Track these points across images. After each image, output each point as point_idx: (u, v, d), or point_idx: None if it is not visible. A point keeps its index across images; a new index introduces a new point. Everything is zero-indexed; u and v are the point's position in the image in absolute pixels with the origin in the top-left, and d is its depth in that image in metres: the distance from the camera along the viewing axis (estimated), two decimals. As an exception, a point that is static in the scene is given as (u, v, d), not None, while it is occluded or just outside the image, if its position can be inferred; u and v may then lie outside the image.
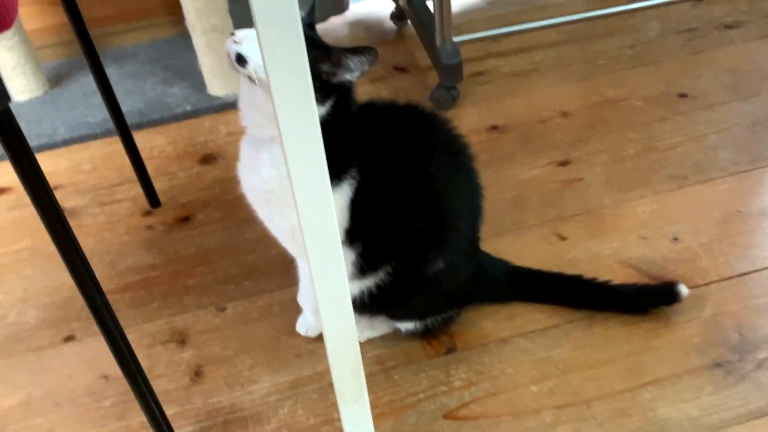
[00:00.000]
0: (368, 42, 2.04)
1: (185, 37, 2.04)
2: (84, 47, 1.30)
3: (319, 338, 1.19)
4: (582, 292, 1.17)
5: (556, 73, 1.80)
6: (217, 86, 1.82)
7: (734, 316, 1.13)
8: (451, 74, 1.67)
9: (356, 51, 0.90)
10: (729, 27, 1.89)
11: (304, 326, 1.19)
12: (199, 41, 1.75)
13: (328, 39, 2.15)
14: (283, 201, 0.97)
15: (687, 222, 1.32)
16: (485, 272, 1.15)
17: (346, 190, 0.96)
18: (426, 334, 1.14)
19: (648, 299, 1.15)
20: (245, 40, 0.89)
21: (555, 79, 1.78)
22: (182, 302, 1.29)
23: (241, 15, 1.85)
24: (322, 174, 0.63)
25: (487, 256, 1.17)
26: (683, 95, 1.66)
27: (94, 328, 1.24)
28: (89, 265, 0.92)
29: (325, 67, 0.91)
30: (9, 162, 0.78)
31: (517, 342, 1.14)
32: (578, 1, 2.14)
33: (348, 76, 0.92)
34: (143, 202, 1.53)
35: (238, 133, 1.73)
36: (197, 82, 1.87)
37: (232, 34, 0.90)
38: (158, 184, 1.54)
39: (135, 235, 1.45)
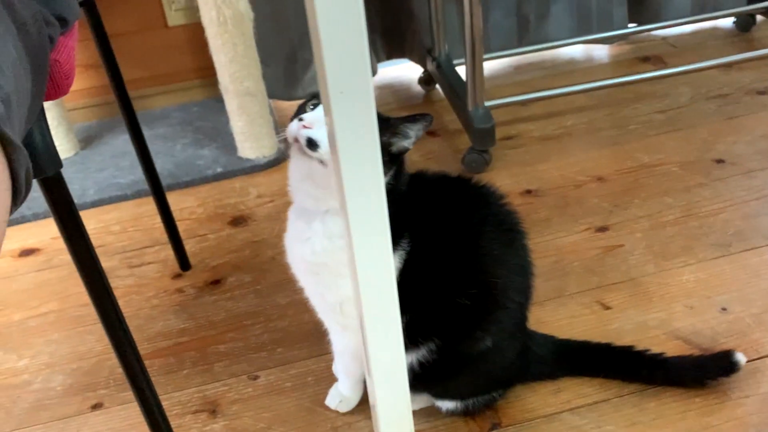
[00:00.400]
0: (397, 106, 2.05)
1: (216, 101, 2.07)
2: (123, 108, 1.30)
3: (355, 411, 1.14)
4: (633, 365, 1.12)
5: (588, 138, 1.79)
6: (248, 149, 1.82)
7: (794, 393, 1.08)
8: (484, 138, 1.66)
9: (413, 119, 0.90)
10: (761, 93, 1.88)
11: (337, 398, 1.14)
12: (231, 104, 1.76)
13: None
14: (336, 273, 0.95)
15: (735, 292, 1.27)
16: (531, 351, 1.10)
17: (395, 260, 0.94)
18: (466, 414, 1.09)
19: (704, 371, 1.10)
20: (315, 124, 0.88)
21: (587, 143, 1.77)
22: (213, 370, 1.25)
23: (273, 80, 1.86)
24: (386, 248, 0.60)
25: (533, 333, 1.13)
26: (720, 161, 1.63)
27: (123, 395, 1.21)
28: (128, 329, 0.89)
29: (384, 138, 0.89)
30: (39, 223, 0.76)
31: (565, 418, 1.09)
32: (605, 67, 2.15)
33: (405, 144, 0.91)
34: (173, 265, 1.50)
35: (268, 196, 1.73)
36: (227, 144, 1.88)
37: (301, 119, 0.89)
38: (188, 247, 1.52)
39: (164, 298, 1.43)
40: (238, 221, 1.64)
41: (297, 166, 0.95)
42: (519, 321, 1.06)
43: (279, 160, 1.85)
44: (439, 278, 0.96)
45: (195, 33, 2.07)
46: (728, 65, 1.98)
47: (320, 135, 0.87)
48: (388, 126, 0.90)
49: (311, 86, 2.06)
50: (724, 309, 1.24)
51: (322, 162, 0.88)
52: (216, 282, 1.46)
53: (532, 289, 1.05)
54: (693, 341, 1.18)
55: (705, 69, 1.95)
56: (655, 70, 2.03)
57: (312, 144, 0.87)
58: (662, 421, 1.06)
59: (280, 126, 1.95)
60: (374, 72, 2.14)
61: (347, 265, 0.93)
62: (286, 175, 1.72)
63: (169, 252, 1.52)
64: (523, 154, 1.75)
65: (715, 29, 2.25)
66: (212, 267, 1.50)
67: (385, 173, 0.89)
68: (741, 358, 1.07)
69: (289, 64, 2.02)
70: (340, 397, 1.14)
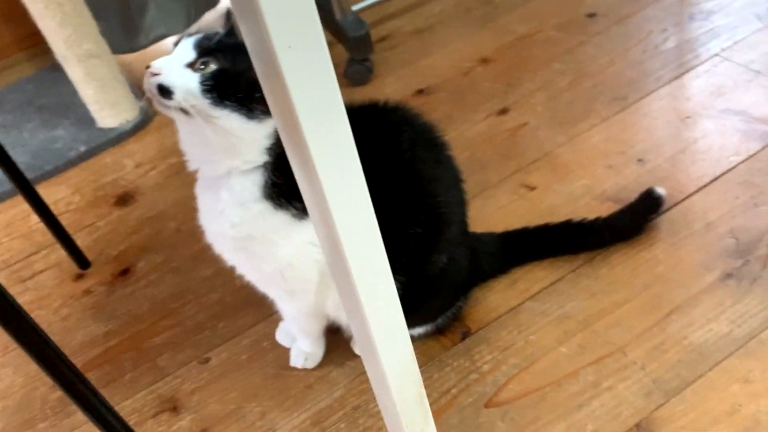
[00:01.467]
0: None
1: (50, 72, 1.84)
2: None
3: (324, 363, 1.09)
4: (577, 236, 1.14)
5: (461, 21, 1.74)
6: (107, 117, 1.64)
7: (723, 222, 1.13)
8: (361, 46, 1.57)
9: None
10: (608, -62, 1.89)
11: (302, 357, 1.09)
12: (75, 72, 1.56)
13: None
14: (266, 242, 0.86)
15: (644, 141, 1.31)
16: (478, 252, 1.08)
17: None
18: (437, 332, 1.07)
19: (637, 216, 1.14)
20: (164, 69, 0.76)
21: (462, 27, 1.72)
22: (158, 365, 1.15)
23: (114, 35, 1.66)
24: (363, 192, 0.53)
25: (474, 234, 1.11)
26: (592, 15, 1.64)
27: (68, 421, 1.09)
28: (51, 340, 0.77)
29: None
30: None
31: (529, 307, 1.09)
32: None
33: None
34: (70, 266, 1.35)
35: (147, 163, 1.57)
36: (82, 117, 1.68)
37: (148, 67, 0.77)
38: (79, 241, 1.36)
39: (74, 305, 1.28)
40: (124, 200, 1.49)
41: (181, 129, 0.83)
42: (463, 229, 1.03)
43: (145, 121, 1.68)
44: (388, 214, 0.89)
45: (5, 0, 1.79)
46: None
47: (172, 79, 0.75)
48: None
49: (154, 31, 1.85)
50: (640, 160, 1.27)
51: (183, 111, 0.76)
52: (125, 272, 1.33)
53: (465, 195, 1.02)
54: (621, 198, 1.21)
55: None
56: (503, -64, 1.98)
57: (164, 91, 0.75)
58: (618, 284, 1.09)
59: (135, 84, 1.77)
60: (217, 0, 1.96)
61: (275, 229, 0.85)
62: (159, 136, 1.56)
63: (60, 253, 1.36)
64: (403, 53, 1.68)
65: None
66: (114, 257, 1.36)
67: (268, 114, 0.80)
68: (661, 191, 1.13)
69: (123, 13, 1.79)
70: (305, 354, 1.08)
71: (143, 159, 1.58)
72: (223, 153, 0.81)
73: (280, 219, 0.84)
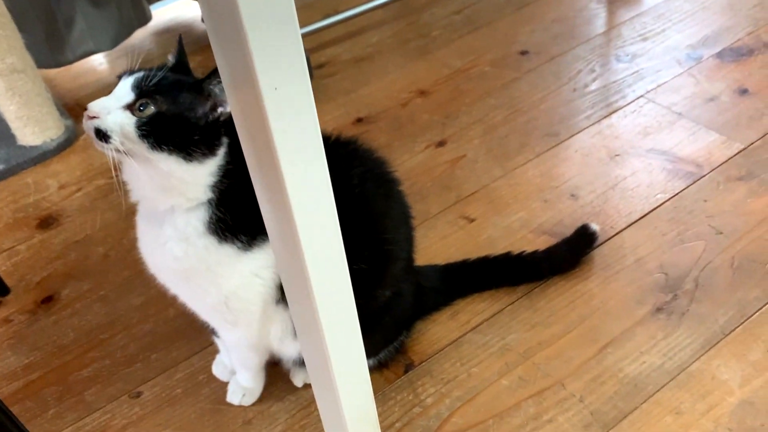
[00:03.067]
0: (187, 51, 1.85)
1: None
2: None
3: (262, 398, 1.06)
4: (515, 269, 1.16)
5: (398, 52, 1.77)
6: (30, 134, 1.56)
7: (653, 258, 1.18)
8: (300, 73, 1.56)
9: (216, 73, 0.76)
10: (539, -21, 1.96)
11: (239, 393, 1.05)
12: (-3, 87, 1.47)
13: (136, 55, 1.94)
14: (210, 273, 0.83)
15: (577, 177, 1.35)
16: (420, 285, 1.09)
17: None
18: (381, 367, 1.07)
19: (573, 250, 1.18)
20: (101, 113, 0.74)
21: (399, 58, 1.75)
22: (85, 399, 1.09)
23: (39, 49, 1.59)
24: (335, 227, 0.52)
25: (417, 267, 1.11)
26: (525, 52, 1.70)
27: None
28: None
29: (203, 109, 0.77)
30: None
31: (470, 339, 1.10)
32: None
33: (222, 109, 0.78)
34: (-14, 293, 1.27)
35: (73, 184, 1.50)
36: (1, 133, 1.59)
37: (85, 109, 0.75)
38: (-3, 267, 1.29)
39: (-9, 335, 1.20)
40: (47, 222, 1.42)
41: (124, 165, 0.81)
42: (409, 264, 1.04)
43: (71, 140, 1.61)
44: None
45: None
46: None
47: (110, 123, 0.73)
48: (201, 91, 0.77)
49: (81, 47, 1.79)
50: (573, 195, 1.32)
51: (127, 154, 0.74)
52: (48, 299, 1.26)
53: (413, 231, 1.02)
54: (556, 232, 1.25)
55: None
56: (438, -30, 2.03)
57: (101, 135, 0.74)
58: (556, 316, 1.12)
59: (60, 101, 1.69)
60: (149, 17, 1.91)
61: (220, 261, 0.83)
62: (85, 156, 1.51)
63: (-25, 279, 1.27)
64: (341, 81, 1.69)
65: None
66: (37, 283, 1.29)
67: (218, 150, 0.78)
68: (595, 227, 1.18)
69: (48, 26, 1.72)
70: (243, 390, 1.05)
71: (68, 180, 1.51)
72: (166, 192, 0.79)
73: (225, 252, 0.83)
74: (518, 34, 1.76)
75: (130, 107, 0.74)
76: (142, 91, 0.75)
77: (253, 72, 0.42)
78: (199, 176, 0.78)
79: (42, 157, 1.56)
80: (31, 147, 1.56)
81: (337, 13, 1.78)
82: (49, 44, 1.73)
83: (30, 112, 1.53)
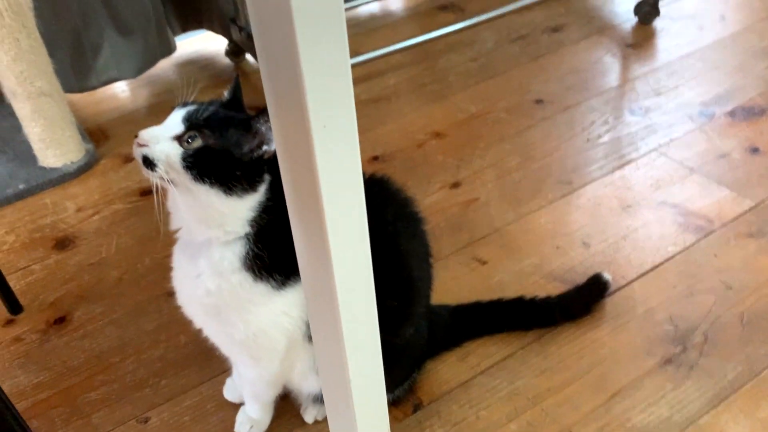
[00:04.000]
0: (210, 83, 1.89)
1: (-7, 105, 1.77)
2: None
3: (270, 429, 1.06)
4: (527, 314, 1.17)
5: (415, 94, 1.80)
6: (51, 156, 1.58)
7: (663, 309, 1.19)
8: (320, 110, 1.60)
9: (264, 112, 0.78)
10: (555, 30, 2.01)
11: (247, 424, 1.05)
12: (23, 108, 1.51)
13: (160, 85, 1.98)
14: (240, 309, 0.85)
15: (589, 225, 1.37)
16: (433, 324, 1.10)
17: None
18: (392, 404, 1.07)
19: (585, 298, 1.19)
20: (150, 142, 0.77)
21: (416, 100, 1.78)
22: (92, 422, 1.09)
23: (65, 74, 1.62)
24: (367, 266, 0.54)
25: (430, 306, 1.12)
26: (539, 101, 1.73)
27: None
28: None
29: (249, 145, 0.79)
30: None
31: (480, 381, 1.11)
32: (409, 19, 2.17)
33: (267, 147, 0.80)
34: (0, 310, 1.27)
35: (90, 207, 1.52)
36: (22, 154, 1.62)
37: (136, 136, 0.78)
38: (12, 284, 1.29)
39: (2, 353, 1.21)
40: (63, 243, 1.43)
41: (169, 194, 0.83)
42: (428, 302, 1.05)
43: (90, 164, 1.63)
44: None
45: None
46: (521, 7, 2.09)
47: (157, 152, 0.76)
48: (249, 128, 0.79)
49: (105, 73, 1.83)
50: (585, 243, 1.33)
51: (171, 183, 0.77)
52: (60, 320, 1.26)
53: (432, 271, 1.04)
54: (568, 279, 1.26)
55: (502, 15, 2.04)
56: (457, 18, 2.09)
57: (148, 163, 0.77)
58: (565, 363, 1.12)
59: (81, 125, 1.72)
60: (173, 48, 1.95)
61: (252, 299, 0.84)
62: (104, 180, 1.54)
63: (-11, 296, 1.28)
64: (359, 119, 1.68)
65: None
66: (50, 303, 1.30)
67: (259, 187, 0.80)
68: (607, 276, 1.19)
69: (76, 52, 1.76)
70: (251, 421, 1.05)
71: (86, 203, 1.53)
72: (205, 223, 0.81)
73: (259, 290, 0.84)
74: (533, 84, 1.79)
75: (178, 138, 0.77)
76: (191, 123, 0.77)
77: (305, 110, 0.44)
78: (238, 210, 0.80)
79: (61, 179, 1.58)
80: (52, 169, 1.59)
81: (358, 54, 1.82)
82: (75, 70, 1.77)
83: (53, 135, 1.56)
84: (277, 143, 0.51)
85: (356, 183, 0.49)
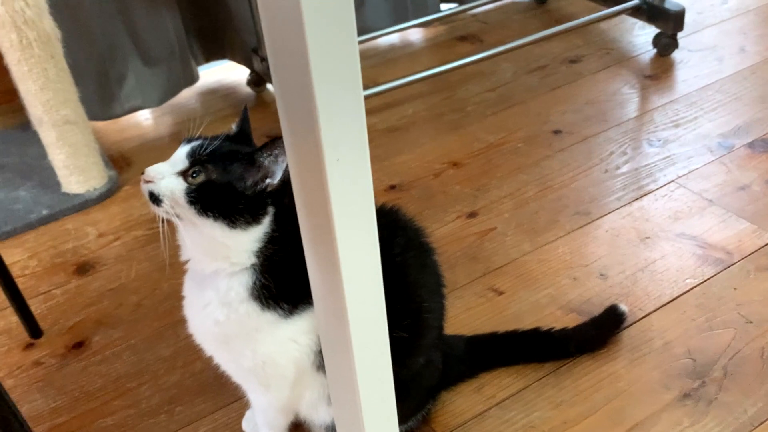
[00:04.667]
0: (231, 113, 1.92)
1: (17, 131, 1.82)
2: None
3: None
4: (543, 345, 1.16)
5: (432, 124, 1.82)
6: (74, 183, 1.61)
7: (681, 342, 1.18)
8: (339, 139, 1.61)
9: (268, 146, 0.80)
10: (573, 62, 2.03)
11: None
12: (48, 136, 1.54)
13: (181, 113, 2.01)
14: (248, 338, 0.86)
15: (606, 257, 1.37)
16: (447, 355, 1.10)
17: (309, 321, 0.87)
18: (407, 434, 1.07)
19: (601, 330, 1.18)
20: (156, 178, 0.79)
21: (433, 130, 1.79)
22: (107, 448, 1.10)
23: (89, 101, 1.66)
24: (377, 281, 0.54)
25: (445, 336, 1.12)
26: (557, 132, 1.74)
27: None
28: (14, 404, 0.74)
29: (253, 179, 0.81)
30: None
31: (494, 414, 1.10)
32: (427, 50, 2.20)
33: (270, 180, 0.81)
34: (20, 334, 1.30)
35: (111, 233, 1.55)
36: (46, 180, 1.65)
37: (143, 173, 0.80)
38: (33, 309, 1.31)
39: (21, 377, 1.22)
40: (83, 269, 1.45)
41: (179, 226, 0.84)
42: (440, 333, 1.05)
43: (113, 191, 1.66)
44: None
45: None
46: (539, 38, 2.11)
47: (162, 188, 0.79)
48: (253, 162, 0.80)
49: (129, 102, 1.87)
50: (602, 275, 1.32)
51: (177, 217, 0.79)
52: (79, 345, 1.28)
53: (444, 300, 1.04)
54: (584, 310, 1.25)
55: (520, 46, 2.05)
56: (475, 49, 2.11)
57: (154, 199, 0.79)
58: (581, 396, 1.11)
59: (105, 152, 1.76)
60: (197, 78, 1.99)
61: (259, 328, 0.85)
62: (126, 207, 1.57)
63: (11, 319, 1.30)
64: (376, 148, 1.73)
65: (515, 3, 2.38)
66: (69, 328, 1.31)
67: (263, 219, 0.81)
68: (624, 308, 1.18)
69: (101, 80, 1.81)
70: (263, 454, 1.05)
71: (107, 229, 1.55)
72: (211, 255, 0.83)
73: (266, 319, 0.85)
74: (551, 114, 1.80)
75: (183, 173, 0.79)
76: (195, 159, 0.79)
77: (319, 143, 0.45)
78: (243, 242, 0.81)
79: (84, 205, 1.61)
80: (75, 195, 1.62)
81: (377, 84, 1.84)
82: (100, 98, 1.81)
83: (77, 161, 1.59)
84: (292, 174, 0.52)
85: (368, 214, 0.50)
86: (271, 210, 0.82)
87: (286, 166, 0.79)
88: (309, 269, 0.56)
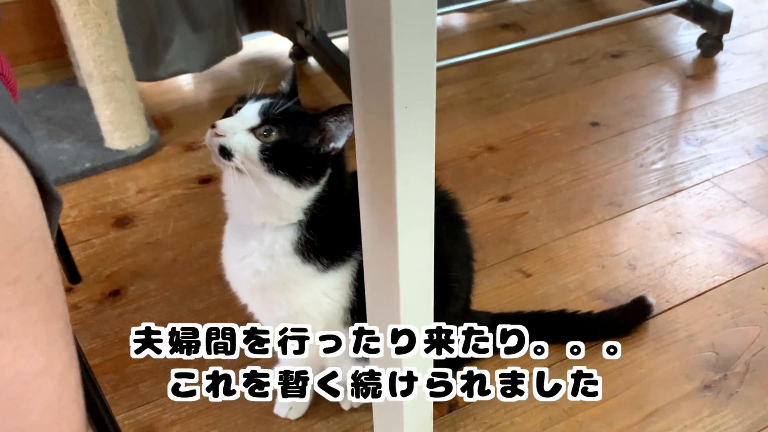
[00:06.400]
0: (273, 82, 1.95)
1: (63, 86, 1.86)
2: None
3: (308, 415, 1.09)
4: (569, 327, 1.18)
5: (470, 108, 1.83)
6: (117, 139, 1.65)
7: (705, 336, 1.19)
8: (378, 115, 1.64)
9: (335, 111, 0.82)
10: (615, 56, 2.02)
11: (286, 406, 1.09)
12: (96, 91, 1.58)
13: (222, 81, 2.04)
14: (285, 289, 0.89)
15: (636, 248, 1.38)
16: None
17: (348, 269, 0.90)
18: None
19: (627, 318, 1.20)
20: (228, 132, 0.81)
21: (471, 114, 1.81)
22: (139, 391, 1.13)
23: (136, 62, 1.69)
24: (428, 226, 0.56)
25: (472, 311, 1.14)
26: (595, 124, 1.74)
27: None
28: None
29: (315, 141, 0.84)
30: None
31: (516, 389, 1.12)
32: (469, 36, 2.20)
33: (334, 144, 0.84)
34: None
35: (150, 190, 1.59)
36: (90, 134, 1.69)
37: (213, 126, 0.81)
38: (72, 255, 1.35)
39: (59, 318, 1.26)
40: (123, 222, 1.49)
41: (226, 177, 0.87)
42: (467, 305, 1.07)
43: (154, 149, 1.70)
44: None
45: (31, 9, 1.82)
46: (583, 30, 2.11)
47: (234, 143, 0.80)
48: (317, 125, 0.83)
49: (174, 65, 1.90)
50: (631, 265, 1.34)
51: (239, 171, 0.81)
52: (115, 293, 1.32)
53: (473, 273, 1.06)
54: (612, 299, 1.27)
55: (565, 37, 2.05)
56: (518, 38, 2.11)
57: (225, 153, 0.80)
58: (603, 379, 1.11)
59: (147, 112, 1.79)
60: (240, 47, 2.02)
61: (297, 280, 0.88)
62: (165, 166, 1.60)
63: (51, 264, 1.34)
64: (414, 127, 1.75)
65: (560, -5, 2.38)
66: (107, 276, 1.35)
67: (320, 180, 0.84)
68: (652, 300, 1.20)
69: (148, 43, 1.84)
70: (290, 403, 1.08)
71: (147, 185, 1.59)
72: (264, 209, 0.85)
73: (305, 272, 0.88)
74: (590, 106, 1.81)
75: (253, 130, 0.81)
76: (268, 117, 0.81)
77: (390, 92, 0.47)
78: (300, 200, 0.84)
79: (125, 161, 1.65)
80: (117, 151, 1.66)
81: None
82: (147, 59, 1.85)
83: (122, 118, 1.63)
84: (357, 124, 0.54)
85: (428, 164, 0.52)
86: (329, 172, 0.85)
87: (352, 132, 0.81)
88: (362, 210, 0.59)
